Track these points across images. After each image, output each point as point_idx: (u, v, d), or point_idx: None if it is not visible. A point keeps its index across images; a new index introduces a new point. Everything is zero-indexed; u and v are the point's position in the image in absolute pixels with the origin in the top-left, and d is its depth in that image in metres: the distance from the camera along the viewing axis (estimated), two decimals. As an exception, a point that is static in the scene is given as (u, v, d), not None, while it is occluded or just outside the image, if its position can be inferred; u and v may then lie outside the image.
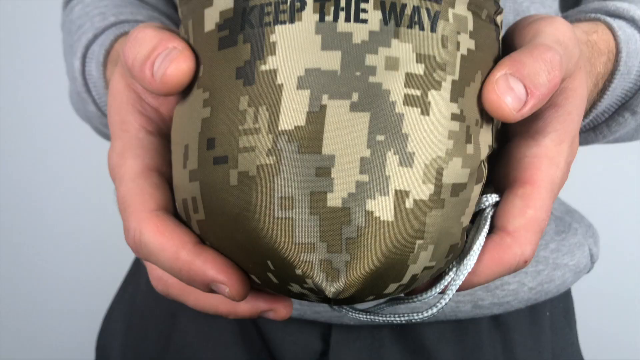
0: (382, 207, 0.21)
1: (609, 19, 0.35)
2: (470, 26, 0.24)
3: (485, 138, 0.25)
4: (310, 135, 0.22)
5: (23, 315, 1.29)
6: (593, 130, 0.40)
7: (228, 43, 0.23)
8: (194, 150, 0.24)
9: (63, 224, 1.26)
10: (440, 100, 0.23)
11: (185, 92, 0.25)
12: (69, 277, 1.27)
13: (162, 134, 0.28)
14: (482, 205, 0.26)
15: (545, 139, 0.27)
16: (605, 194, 1.10)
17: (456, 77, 0.23)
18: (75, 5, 0.54)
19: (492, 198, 0.26)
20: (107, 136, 0.45)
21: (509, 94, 0.24)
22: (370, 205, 0.21)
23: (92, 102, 0.41)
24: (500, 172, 0.28)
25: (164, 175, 0.27)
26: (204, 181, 0.23)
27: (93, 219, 1.23)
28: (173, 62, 0.24)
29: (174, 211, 0.26)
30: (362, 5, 0.22)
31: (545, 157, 0.26)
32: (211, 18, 0.24)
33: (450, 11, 0.23)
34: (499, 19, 0.27)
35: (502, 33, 0.28)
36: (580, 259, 0.42)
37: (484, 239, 0.25)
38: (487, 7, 0.25)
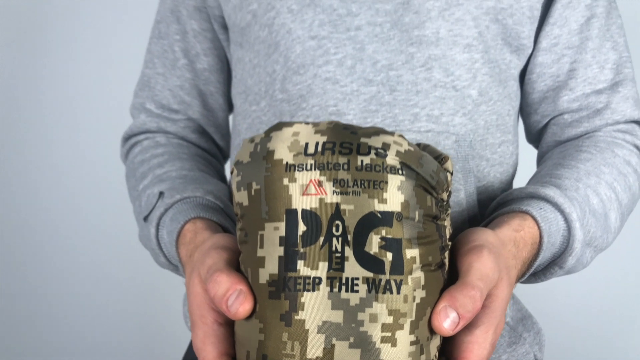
0: None
1: (535, 212, 0.49)
2: (422, 282, 0.38)
3: (435, 343, 0.40)
4: None
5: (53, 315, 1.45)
6: (533, 275, 0.54)
7: (275, 296, 0.38)
8: (254, 358, 0.38)
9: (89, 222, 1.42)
10: (403, 335, 0.37)
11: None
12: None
13: (230, 323, 0.43)
14: None
15: (476, 330, 0.41)
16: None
17: (413, 318, 0.38)
18: (135, 146, 0.69)
19: None
20: (164, 267, 0.60)
21: (446, 321, 0.39)
22: None
23: (163, 256, 0.56)
24: (448, 347, 0.43)
25: (231, 356, 0.42)
26: None
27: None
28: (241, 304, 0.39)
29: None
30: (355, 282, 0.37)
31: (475, 343, 0.41)
32: (263, 275, 0.39)
33: (409, 277, 0.38)
34: (446, 254, 0.41)
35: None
36: None
37: None
38: (434, 258, 0.40)
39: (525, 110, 0.67)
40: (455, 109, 0.56)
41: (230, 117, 0.72)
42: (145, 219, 0.58)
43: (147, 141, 0.69)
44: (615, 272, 1.33)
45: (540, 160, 0.67)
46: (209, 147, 0.72)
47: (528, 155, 0.72)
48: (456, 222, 0.55)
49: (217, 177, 0.67)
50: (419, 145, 0.44)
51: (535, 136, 0.68)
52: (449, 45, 0.55)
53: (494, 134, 0.59)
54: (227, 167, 0.75)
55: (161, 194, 0.58)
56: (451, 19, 0.55)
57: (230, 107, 0.72)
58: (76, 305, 1.45)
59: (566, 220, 0.51)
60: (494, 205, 0.55)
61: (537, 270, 0.53)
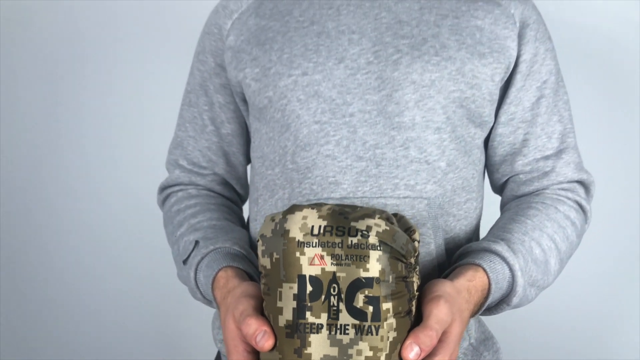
0: None
1: (485, 265, 0.65)
2: (394, 326, 0.54)
3: None
4: None
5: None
6: (487, 310, 0.69)
7: (290, 336, 0.53)
8: None
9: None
10: None
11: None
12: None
13: (256, 352, 0.59)
14: None
15: (435, 358, 0.57)
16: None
17: (387, 352, 0.53)
18: (170, 196, 0.85)
19: None
20: (199, 301, 0.75)
21: (411, 353, 0.54)
22: None
23: (200, 294, 0.72)
24: None
25: None
26: None
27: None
28: (266, 341, 0.54)
29: None
30: (347, 327, 0.52)
31: None
32: (282, 321, 0.54)
33: (385, 323, 0.53)
34: (413, 303, 0.57)
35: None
36: None
37: None
38: (403, 308, 0.55)
39: (489, 168, 0.82)
40: (427, 179, 0.71)
41: (248, 168, 0.88)
42: (184, 262, 0.74)
43: (181, 192, 0.84)
44: (576, 290, 1.47)
45: (502, 207, 0.83)
46: (231, 196, 0.87)
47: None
48: (427, 268, 0.70)
49: (238, 224, 0.82)
50: (395, 215, 0.59)
51: (498, 189, 0.83)
52: (423, 128, 0.71)
53: (460, 195, 0.74)
54: (245, 208, 0.90)
55: (197, 242, 0.74)
56: (424, 108, 0.71)
57: (248, 160, 0.88)
58: (105, 308, 1.61)
59: (511, 269, 0.66)
60: (457, 255, 0.70)
61: (489, 307, 0.69)
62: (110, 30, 1.51)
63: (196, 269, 0.71)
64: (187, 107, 0.86)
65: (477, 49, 0.72)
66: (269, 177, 0.76)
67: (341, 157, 0.70)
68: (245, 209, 0.89)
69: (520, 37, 0.75)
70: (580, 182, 0.79)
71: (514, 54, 0.75)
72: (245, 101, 0.81)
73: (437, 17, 0.73)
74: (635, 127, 1.33)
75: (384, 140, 0.70)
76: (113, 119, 1.53)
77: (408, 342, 0.54)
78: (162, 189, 0.87)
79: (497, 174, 0.81)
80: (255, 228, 0.77)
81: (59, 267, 1.59)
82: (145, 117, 1.52)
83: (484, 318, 0.81)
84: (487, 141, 0.80)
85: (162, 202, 0.87)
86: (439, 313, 0.56)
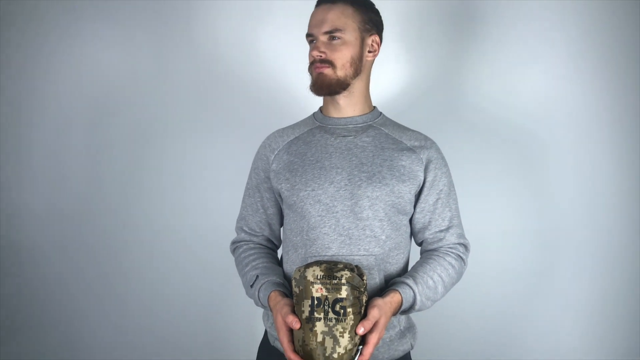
0: None
1: (400, 290, 1.34)
2: (353, 318, 1.22)
3: (357, 337, 1.24)
4: None
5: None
6: (402, 312, 1.39)
7: (307, 322, 1.22)
8: (299, 343, 1.23)
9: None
10: (346, 334, 1.22)
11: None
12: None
13: (291, 330, 1.27)
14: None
15: (371, 334, 1.25)
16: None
17: (349, 329, 1.22)
18: (238, 247, 1.56)
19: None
20: (258, 306, 1.44)
21: (360, 330, 1.23)
22: None
23: (260, 304, 1.41)
24: (362, 339, 1.27)
25: (292, 342, 1.27)
26: None
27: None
28: (297, 324, 1.23)
29: None
30: (331, 319, 1.21)
31: (372, 338, 1.25)
32: (303, 315, 1.23)
33: (348, 317, 1.22)
34: (362, 309, 1.26)
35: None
36: (405, 347, 1.43)
37: None
38: (357, 310, 1.24)
39: (412, 234, 1.52)
40: (375, 245, 1.40)
41: (282, 230, 1.57)
42: (251, 286, 1.43)
43: (245, 246, 1.54)
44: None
45: (421, 253, 1.52)
46: (272, 247, 1.57)
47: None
48: (374, 291, 1.39)
49: (277, 263, 1.51)
50: (356, 266, 1.28)
51: (418, 244, 1.53)
52: (372, 220, 1.40)
53: (394, 251, 1.43)
54: (279, 251, 1.60)
55: (257, 276, 1.43)
56: (373, 209, 1.40)
57: (280, 225, 1.57)
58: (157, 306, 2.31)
59: (414, 292, 1.36)
60: (390, 284, 1.40)
61: (403, 311, 1.38)
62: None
63: (258, 291, 1.41)
64: (247, 197, 1.56)
65: (401, 178, 1.41)
66: (294, 241, 1.45)
67: (331, 234, 1.40)
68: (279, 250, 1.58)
69: (426, 169, 1.45)
70: (461, 244, 1.48)
71: (422, 178, 1.44)
72: (281, 197, 1.51)
73: (381, 160, 1.42)
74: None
75: (353, 226, 1.39)
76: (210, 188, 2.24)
77: (359, 326, 1.23)
78: (233, 242, 1.57)
79: (416, 238, 1.51)
80: (287, 268, 1.46)
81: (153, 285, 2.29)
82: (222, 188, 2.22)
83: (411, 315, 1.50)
84: (411, 220, 1.50)
85: (233, 251, 1.57)
86: (374, 313, 1.26)
